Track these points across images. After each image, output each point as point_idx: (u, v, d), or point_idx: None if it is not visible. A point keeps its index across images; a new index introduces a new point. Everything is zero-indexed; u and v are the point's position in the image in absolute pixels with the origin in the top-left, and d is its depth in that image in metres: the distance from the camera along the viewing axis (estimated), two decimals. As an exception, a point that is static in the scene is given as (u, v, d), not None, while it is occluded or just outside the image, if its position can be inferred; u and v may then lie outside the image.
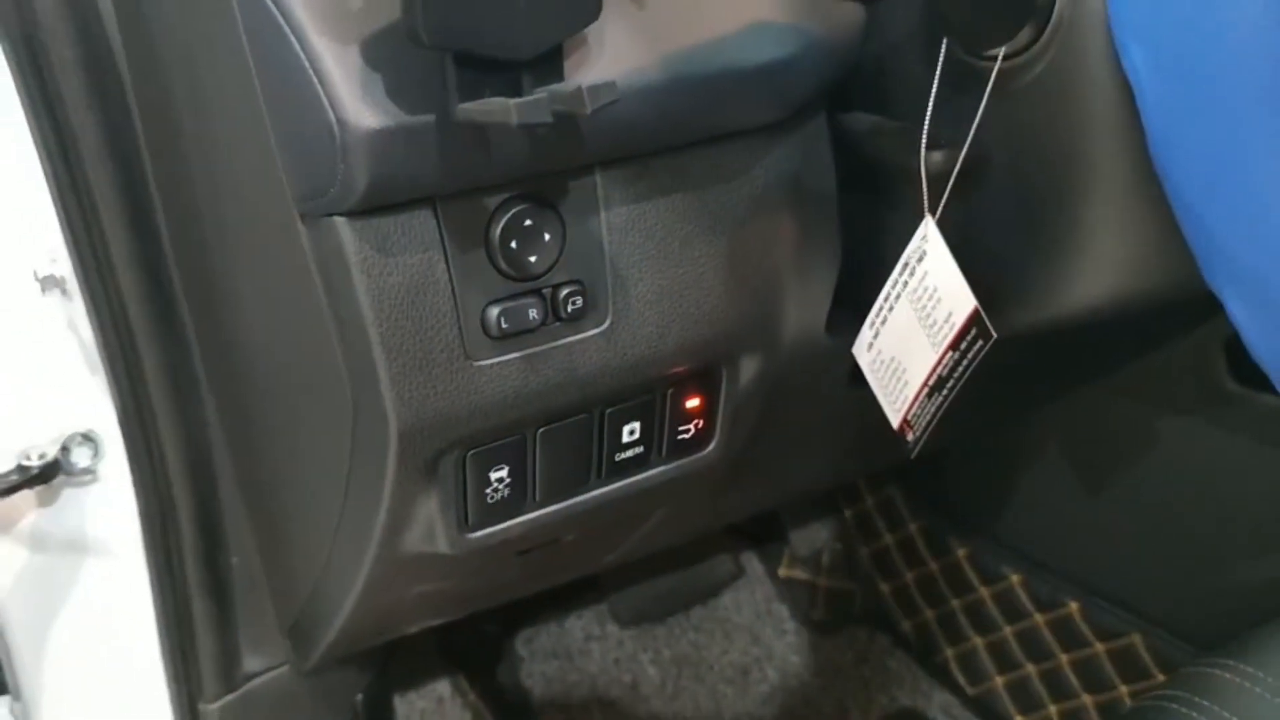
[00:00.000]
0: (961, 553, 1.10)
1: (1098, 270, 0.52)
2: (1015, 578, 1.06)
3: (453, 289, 0.44)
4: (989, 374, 0.75)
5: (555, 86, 0.40)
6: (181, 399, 0.59)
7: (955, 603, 1.11)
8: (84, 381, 0.60)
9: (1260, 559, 0.86)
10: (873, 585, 1.18)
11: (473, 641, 1.05)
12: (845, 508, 1.19)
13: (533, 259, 0.45)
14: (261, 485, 0.61)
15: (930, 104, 0.50)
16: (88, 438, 0.62)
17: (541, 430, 0.49)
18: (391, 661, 0.87)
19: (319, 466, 0.54)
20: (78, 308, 0.57)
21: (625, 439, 0.52)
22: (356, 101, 0.39)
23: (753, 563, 1.20)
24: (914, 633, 1.16)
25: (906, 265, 0.53)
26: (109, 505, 0.62)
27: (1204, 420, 0.88)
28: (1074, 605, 1.01)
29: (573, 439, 0.51)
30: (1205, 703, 0.60)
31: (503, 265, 0.45)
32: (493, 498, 0.50)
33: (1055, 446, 0.99)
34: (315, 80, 0.39)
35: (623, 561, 0.74)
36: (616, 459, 0.53)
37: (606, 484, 0.54)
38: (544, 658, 1.09)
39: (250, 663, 0.68)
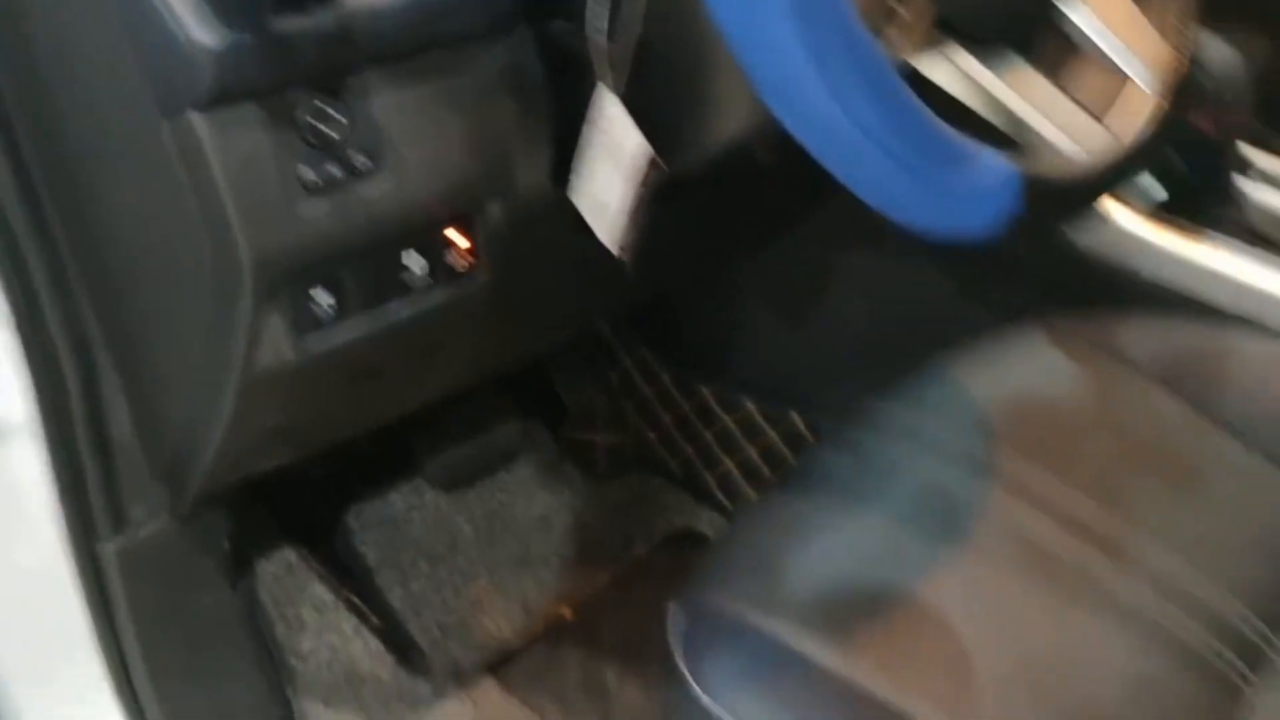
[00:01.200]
0: (707, 392, 1.34)
1: (727, 117, 0.75)
2: (751, 404, 1.31)
3: (276, 157, 0.63)
4: (695, 224, 1.00)
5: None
6: (60, 289, 0.75)
7: (708, 435, 1.36)
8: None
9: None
10: (641, 434, 1.42)
11: (309, 517, 1.23)
12: (609, 372, 1.42)
13: (331, 134, 0.65)
14: (134, 354, 0.78)
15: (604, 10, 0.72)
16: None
17: (349, 261, 0.69)
18: (244, 530, 1.04)
19: (185, 319, 0.72)
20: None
21: (415, 269, 0.73)
22: (196, 23, 0.57)
23: (540, 430, 1.42)
24: (680, 468, 1.40)
25: (593, 123, 0.75)
26: (5, 387, 0.78)
27: (866, 251, 1.15)
28: (796, 417, 1.27)
29: (375, 267, 0.71)
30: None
31: (310, 139, 0.64)
32: (320, 313, 0.69)
33: (762, 289, 1.24)
34: (165, 11, 0.58)
35: (434, 398, 0.94)
36: (408, 285, 0.73)
37: (406, 306, 0.74)
38: (372, 527, 1.28)
39: (135, 510, 0.85)
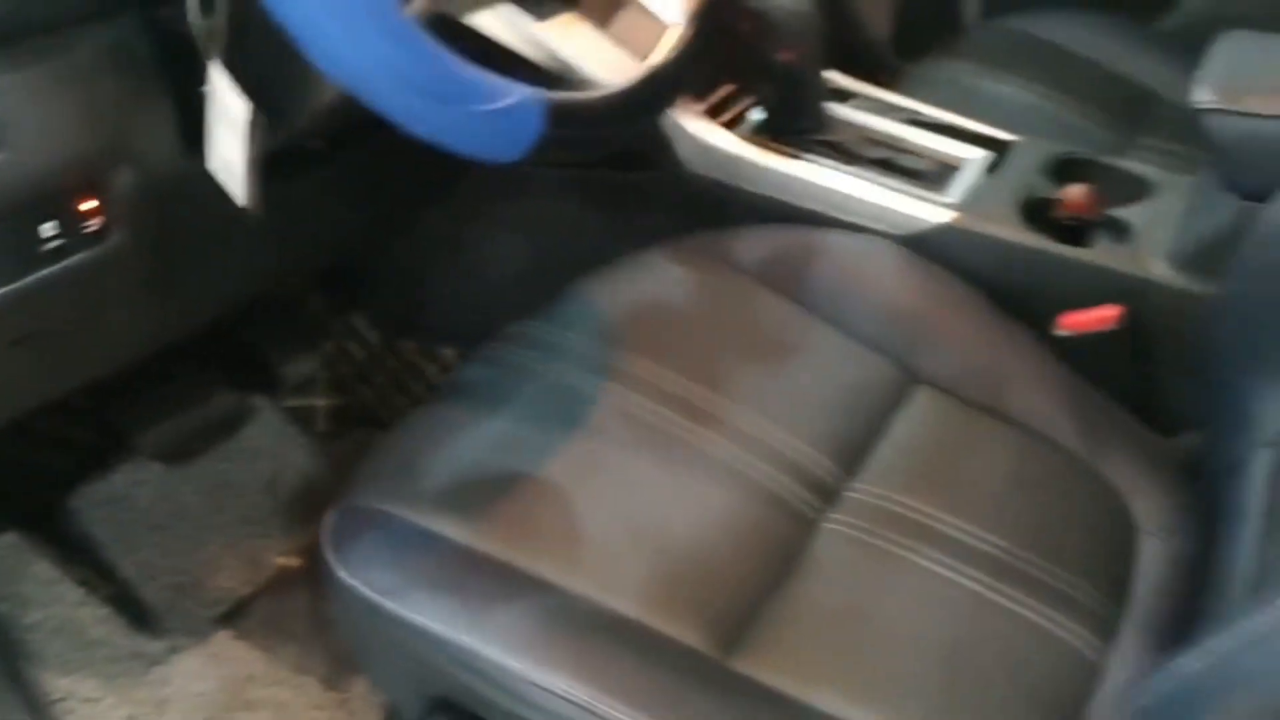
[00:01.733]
0: (410, 347, 1.45)
1: (317, 84, 0.85)
2: (449, 351, 1.42)
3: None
4: (354, 189, 1.09)
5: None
6: None
7: (417, 387, 1.47)
8: None
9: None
10: (358, 394, 1.51)
11: (31, 502, 1.28)
12: (322, 340, 1.50)
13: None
14: None
15: None
16: None
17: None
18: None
19: None
20: None
21: (48, 234, 0.81)
22: None
23: (259, 400, 1.49)
24: (396, 419, 1.50)
25: (210, 94, 0.84)
26: None
27: (518, 198, 1.28)
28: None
29: (13, 236, 0.78)
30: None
31: None
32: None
33: (435, 245, 1.35)
34: None
35: (116, 365, 1.01)
36: (45, 249, 0.81)
37: (45, 268, 0.82)
38: (97, 505, 1.34)
39: None
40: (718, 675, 0.78)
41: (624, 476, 0.90)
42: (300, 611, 1.30)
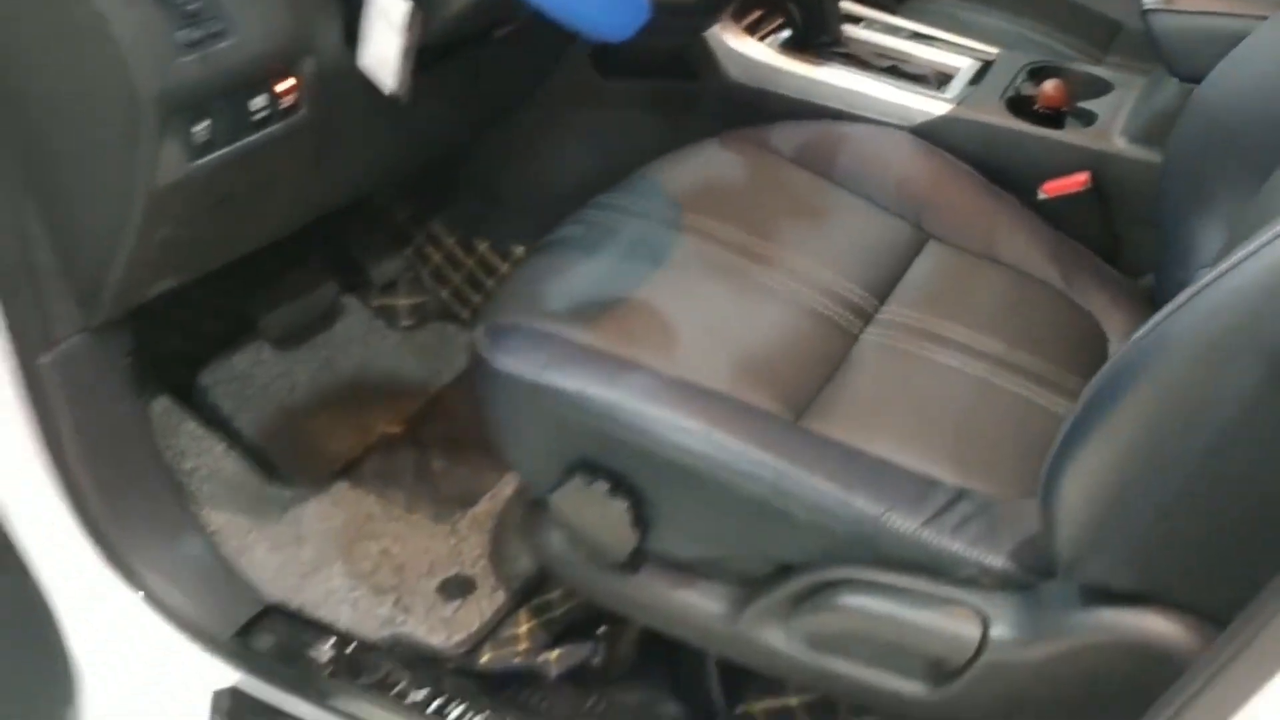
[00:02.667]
0: (483, 247, 1.68)
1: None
2: (518, 249, 1.65)
3: (161, 24, 0.93)
4: (456, 94, 1.32)
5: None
6: None
7: (489, 282, 1.70)
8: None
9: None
10: (436, 294, 1.74)
11: (170, 378, 1.50)
12: (404, 247, 1.73)
13: (195, 7, 0.95)
14: (54, 193, 1.04)
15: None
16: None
17: (215, 100, 0.99)
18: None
19: (98, 159, 1.00)
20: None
21: (255, 106, 1.04)
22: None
23: (351, 300, 1.72)
24: (471, 314, 1.73)
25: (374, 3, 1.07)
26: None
27: (588, 107, 1.51)
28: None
29: (232, 108, 1.01)
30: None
31: (181, 11, 0.94)
32: (199, 142, 1.00)
33: (512, 151, 1.59)
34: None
35: (277, 232, 1.24)
36: (254, 119, 1.04)
37: (253, 134, 1.05)
38: (224, 382, 1.57)
39: (59, 329, 1.12)
40: (795, 429, 1.02)
41: (703, 298, 1.14)
42: (404, 468, 1.54)
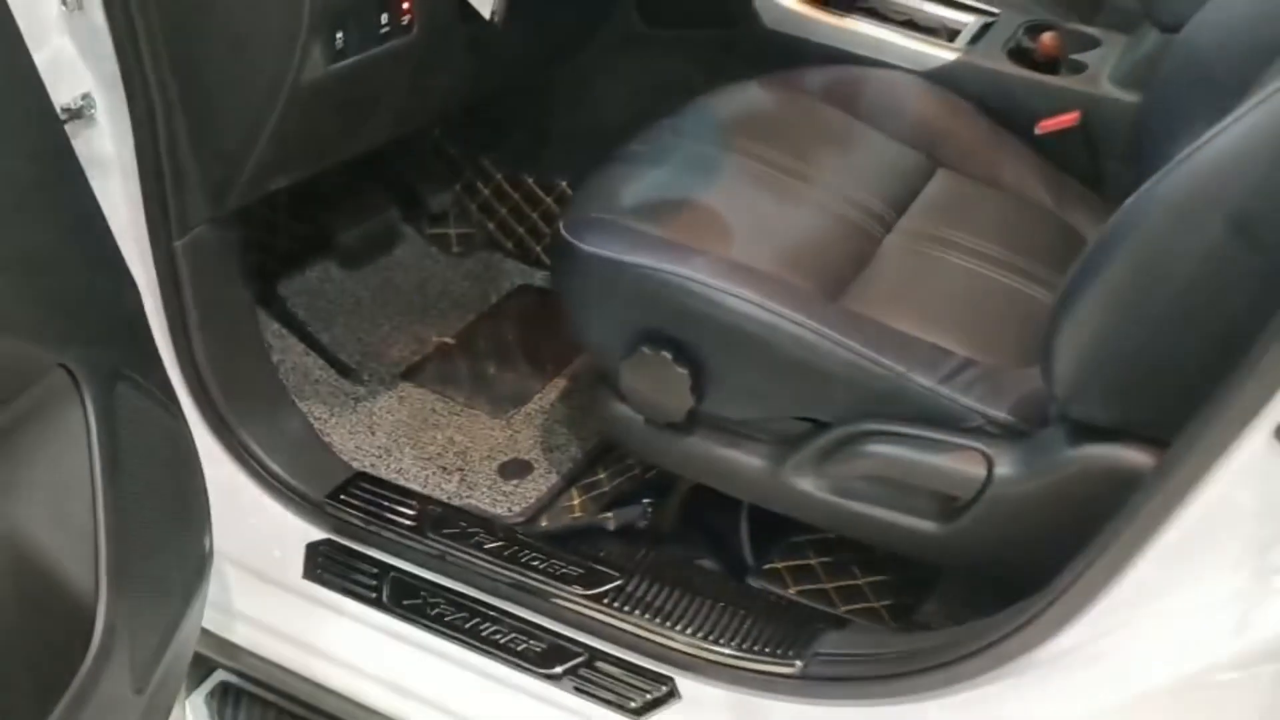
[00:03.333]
0: (529, 182, 1.86)
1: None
2: (562, 182, 1.83)
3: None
4: (513, 38, 1.48)
5: None
6: (154, 59, 1.18)
7: (533, 214, 1.88)
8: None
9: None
10: (483, 225, 1.92)
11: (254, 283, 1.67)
12: (455, 182, 1.91)
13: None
14: (200, 97, 1.21)
15: None
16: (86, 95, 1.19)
17: (354, 12, 1.17)
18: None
19: (247, 63, 1.17)
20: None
21: (383, 22, 1.21)
22: None
23: (408, 229, 1.90)
24: (515, 244, 1.91)
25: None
26: (107, 132, 1.21)
27: (632, 53, 1.69)
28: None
29: (363, 20, 1.19)
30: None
31: None
32: (337, 48, 1.17)
33: (553, 95, 1.77)
34: None
35: (370, 146, 1.41)
36: (380, 33, 1.22)
37: (377, 46, 1.22)
38: (297, 294, 1.74)
39: (191, 218, 1.29)
40: (833, 304, 1.21)
41: (750, 203, 1.33)
42: (460, 373, 1.71)
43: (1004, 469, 1.11)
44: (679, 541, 1.43)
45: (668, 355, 1.20)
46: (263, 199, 1.35)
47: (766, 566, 1.39)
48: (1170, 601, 0.89)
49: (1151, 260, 0.95)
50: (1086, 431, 1.06)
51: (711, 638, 1.21)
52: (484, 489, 1.52)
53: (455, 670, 1.28)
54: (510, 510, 1.48)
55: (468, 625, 1.28)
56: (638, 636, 1.22)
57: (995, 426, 1.12)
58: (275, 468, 1.38)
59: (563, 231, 1.26)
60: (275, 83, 1.17)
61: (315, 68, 1.17)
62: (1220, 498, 0.84)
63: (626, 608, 1.24)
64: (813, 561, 1.40)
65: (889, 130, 1.50)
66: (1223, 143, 0.89)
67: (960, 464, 1.13)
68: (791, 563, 1.40)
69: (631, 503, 1.44)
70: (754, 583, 1.37)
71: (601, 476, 1.52)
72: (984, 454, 1.12)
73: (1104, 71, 1.54)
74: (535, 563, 1.31)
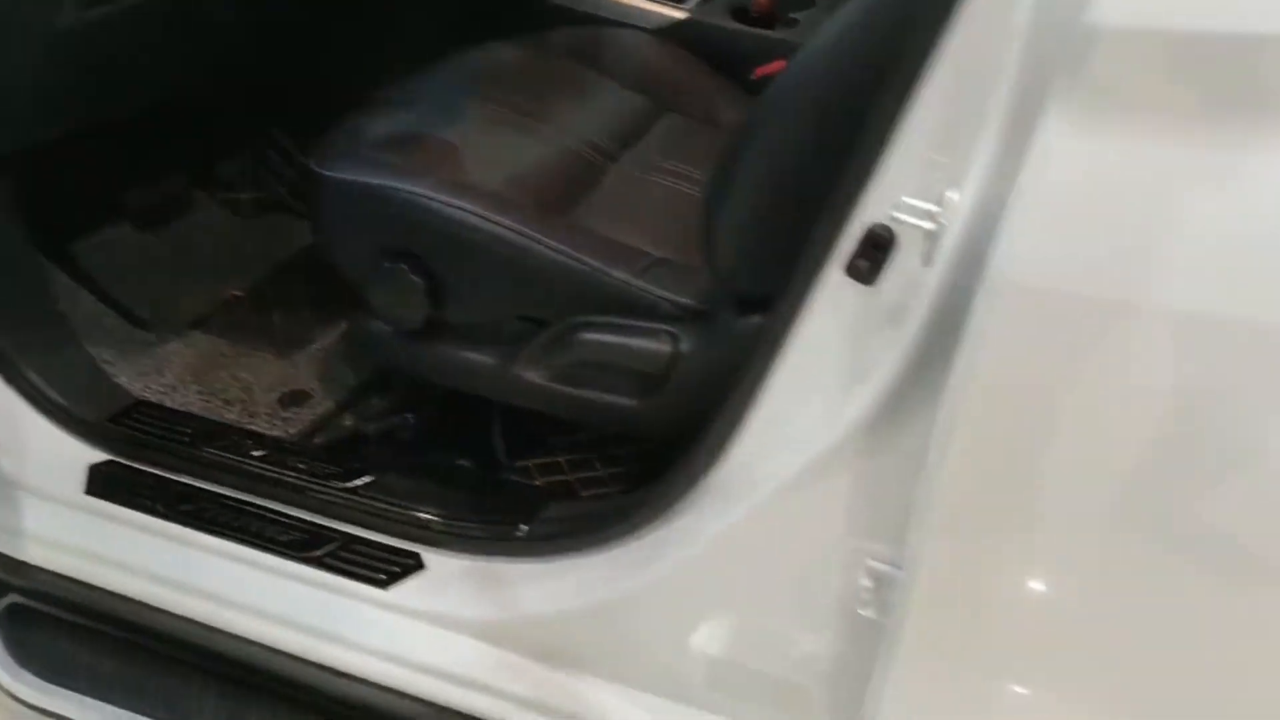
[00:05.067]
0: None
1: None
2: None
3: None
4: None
5: None
6: None
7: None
8: None
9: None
10: (273, 189, 2.05)
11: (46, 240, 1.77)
12: (246, 149, 2.04)
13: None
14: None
15: None
16: None
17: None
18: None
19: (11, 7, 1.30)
20: None
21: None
22: None
23: (201, 195, 2.02)
24: (304, 208, 2.04)
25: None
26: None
27: (407, 22, 1.85)
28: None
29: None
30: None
31: None
32: (87, -4, 1.30)
33: (326, 66, 1.91)
34: None
35: (139, 106, 1.54)
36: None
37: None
38: (91, 251, 1.84)
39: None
40: (548, 217, 1.38)
41: (487, 138, 1.49)
42: (249, 321, 1.84)
43: (687, 345, 1.28)
44: (441, 448, 1.58)
45: (404, 267, 1.36)
46: (52, 161, 1.46)
47: (519, 464, 1.55)
48: (791, 426, 1.08)
49: (772, 143, 1.14)
50: (748, 305, 1.24)
51: (455, 517, 1.36)
52: (264, 417, 1.65)
53: (231, 564, 1.40)
54: (286, 432, 1.62)
55: (237, 523, 1.41)
56: (388, 520, 1.36)
57: (681, 310, 1.30)
58: (54, 395, 1.49)
59: (311, 164, 1.41)
60: (30, 26, 1.29)
61: (69, 14, 1.30)
62: (813, 331, 1.02)
63: (380, 497, 1.39)
64: (561, 459, 1.56)
65: (622, 80, 1.68)
66: (815, 44, 1.09)
67: (652, 344, 1.30)
68: (540, 460, 1.56)
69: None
70: (506, 478, 1.53)
71: (374, 401, 1.67)
72: (671, 334, 1.29)
73: (812, 28, 1.74)
74: (300, 466, 1.44)
